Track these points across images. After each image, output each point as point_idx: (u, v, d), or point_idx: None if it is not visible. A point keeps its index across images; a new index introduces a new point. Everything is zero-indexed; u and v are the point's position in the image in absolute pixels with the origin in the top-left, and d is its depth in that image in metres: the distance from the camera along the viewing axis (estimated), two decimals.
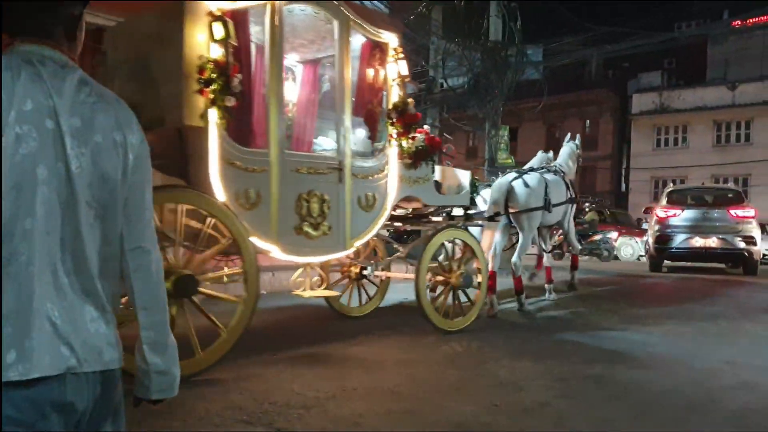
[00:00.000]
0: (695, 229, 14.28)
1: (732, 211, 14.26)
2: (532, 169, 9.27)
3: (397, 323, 7.31)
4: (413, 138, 6.72)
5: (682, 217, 14.48)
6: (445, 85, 19.23)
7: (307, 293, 6.51)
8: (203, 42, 5.07)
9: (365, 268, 7.67)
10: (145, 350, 1.67)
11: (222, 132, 5.09)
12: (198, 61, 5.03)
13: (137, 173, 1.64)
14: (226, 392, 4.39)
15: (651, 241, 15.01)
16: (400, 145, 6.63)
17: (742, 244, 14.11)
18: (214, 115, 5.02)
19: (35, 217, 1.42)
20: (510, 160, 18.54)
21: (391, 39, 6.68)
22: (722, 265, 16.08)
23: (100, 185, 1.53)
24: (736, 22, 32.11)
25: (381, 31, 6.59)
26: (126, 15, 5.94)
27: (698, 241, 14.24)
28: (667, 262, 15.58)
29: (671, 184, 18.21)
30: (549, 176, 9.09)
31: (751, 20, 32.03)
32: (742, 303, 9.59)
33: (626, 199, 34.70)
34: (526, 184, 8.58)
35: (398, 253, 7.46)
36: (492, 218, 8.47)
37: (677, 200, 15.04)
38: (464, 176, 7.87)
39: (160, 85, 5.26)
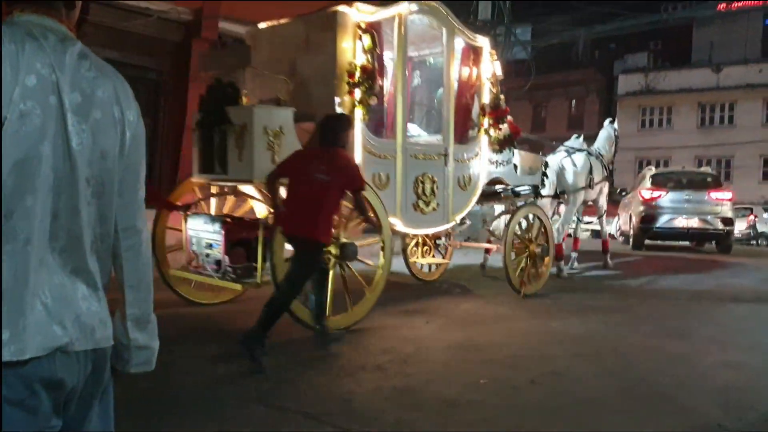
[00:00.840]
0: (678, 210, 14.94)
1: (712, 194, 15.08)
2: (577, 149, 10.32)
3: (474, 287, 8.65)
4: (501, 128, 7.88)
5: (666, 198, 15.06)
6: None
7: (422, 260, 8.27)
8: (351, 49, 6.13)
9: (439, 238, 8.71)
10: (129, 326, 1.64)
11: (363, 126, 6.20)
12: (348, 66, 6.11)
13: (134, 152, 1.59)
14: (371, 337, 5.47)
15: (636, 220, 15.32)
16: (488, 134, 7.76)
17: (720, 225, 14.95)
18: (358, 112, 6.12)
19: (36, 194, 1.38)
20: None
21: (485, 43, 7.76)
22: (687, 243, 16.89)
23: (100, 162, 1.49)
24: (722, 6, 32.22)
25: (477, 36, 7.73)
26: (271, 21, 6.97)
27: (681, 222, 14.94)
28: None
29: (651, 168, 18.47)
30: (592, 158, 10.34)
31: (735, 4, 32.18)
32: (724, 283, 9.78)
33: (611, 178, 34.91)
34: (574, 164, 9.92)
35: (485, 226, 8.88)
36: (557, 195, 9.63)
37: (661, 182, 15.54)
38: (536, 159, 8.98)
39: (312, 85, 6.27)
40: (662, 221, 14.99)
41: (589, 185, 10.12)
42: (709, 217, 14.88)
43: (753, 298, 8.37)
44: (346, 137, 5.32)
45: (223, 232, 5.91)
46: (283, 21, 6.86)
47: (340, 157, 5.11)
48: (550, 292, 8.15)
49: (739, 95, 32.16)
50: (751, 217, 24.13)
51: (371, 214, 5.78)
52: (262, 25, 7.10)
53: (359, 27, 6.20)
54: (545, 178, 9.11)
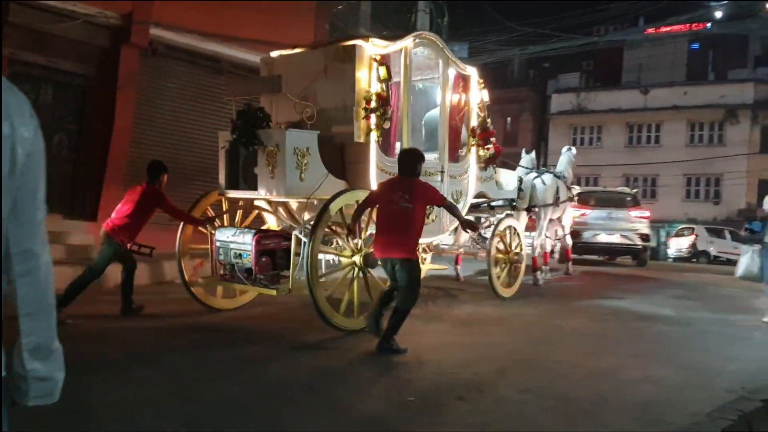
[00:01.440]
0: (601, 226, 15.94)
1: (631, 212, 16.37)
2: (546, 171, 11.63)
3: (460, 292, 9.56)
4: (488, 148, 8.84)
5: (590, 216, 15.98)
6: None
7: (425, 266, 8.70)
8: (367, 79, 6.96)
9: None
10: (25, 356, 1.53)
11: (376, 146, 7.02)
12: (365, 94, 6.93)
13: (29, 170, 1.46)
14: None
15: None
16: (477, 153, 8.76)
17: (639, 241, 16.24)
18: (373, 135, 6.96)
19: None
20: None
21: (473, 72, 8.69)
22: (599, 257, 17.93)
23: None
24: (650, 30, 33.44)
25: (466, 66, 8.68)
26: (286, 50, 7.83)
27: (604, 237, 16.05)
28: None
29: (576, 187, 19.35)
30: (558, 180, 11.49)
31: (663, 29, 33.44)
32: (647, 296, 10.05)
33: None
34: (544, 183, 11.03)
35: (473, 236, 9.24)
36: (529, 209, 10.72)
37: (585, 201, 16.29)
38: (513, 175, 10.20)
39: (332, 110, 7.06)
40: (587, 237, 15.90)
41: (556, 203, 11.31)
42: (629, 233, 16.06)
43: (672, 313, 8.61)
44: (421, 168, 6.02)
45: (254, 242, 6.60)
46: (298, 50, 7.82)
47: (417, 185, 5.91)
48: (476, 305, 8.19)
49: (665, 116, 33.36)
50: (692, 236, 25.25)
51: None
52: (275, 54, 7.96)
53: (374, 59, 7.05)
54: (520, 192, 10.30)
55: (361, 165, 7.05)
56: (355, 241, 6.53)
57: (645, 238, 16.43)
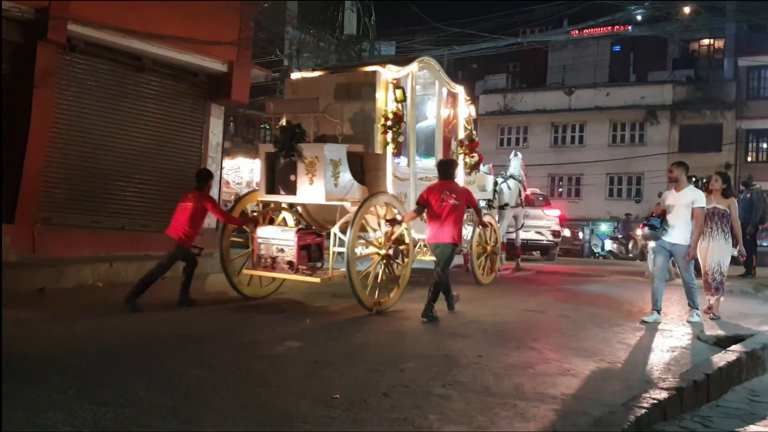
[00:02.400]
0: (518, 224, 16.18)
1: (545, 211, 17.49)
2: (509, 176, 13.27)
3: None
4: (473, 156, 10.41)
5: None
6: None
7: (427, 258, 9.53)
8: (384, 99, 8.36)
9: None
10: None
11: (391, 156, 8.42)
12: (383, 112, 8.33)
13: None
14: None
15: None
16: (464, 160, 10.23)
17: (551, 237, 17.46)
18: (389, 147, 8.35)
19: None
20: None
21: (460, 91, 10.30)
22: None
23: None
24: (574, 32, 34.33)
25: (456, 85, 10.24)
26: (307, 73, 9.50)
27: (520, 234, 16.27)
28: None
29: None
30: (519, 184, 13.26)
31: (586, 31, 34.39)
32: (574, 290, 10.32)
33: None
34: (509, 187, 12.80)
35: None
36: (502, 207, 12.42)
37: None
38: (489, 179, 11.70)
39: (354, 125, 8.43)
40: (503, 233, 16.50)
41: (521, 205, 13.32)
42: (543, 230, 17.15)
43: (594, 305, 8.86)
44: (456, 173, 7.89)
45: (296, 238, 7.95)
46: (320, 73, 9.39)
47: (458, 186, 8.09)
48: (402, 303, 8.24)
49: (589, 117, 34.32)
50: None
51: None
52: (296, 76, 9.46)
53: (391, 83, 8.45)
54: (496, 194, 12.10)
55: (379, 173, 8.41)
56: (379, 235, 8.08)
57: (556, 234, 17.69)
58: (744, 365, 5.90)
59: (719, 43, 35.48)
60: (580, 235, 33.44)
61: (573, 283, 12.01)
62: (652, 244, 8.27)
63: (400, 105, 8.45)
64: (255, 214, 8.79)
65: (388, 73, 8.51)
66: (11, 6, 8.79)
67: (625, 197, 34.23)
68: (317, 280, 7.98)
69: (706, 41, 36.31)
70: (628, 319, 7.94)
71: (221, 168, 12.74)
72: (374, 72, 8.45)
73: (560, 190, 34.35)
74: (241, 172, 24.13)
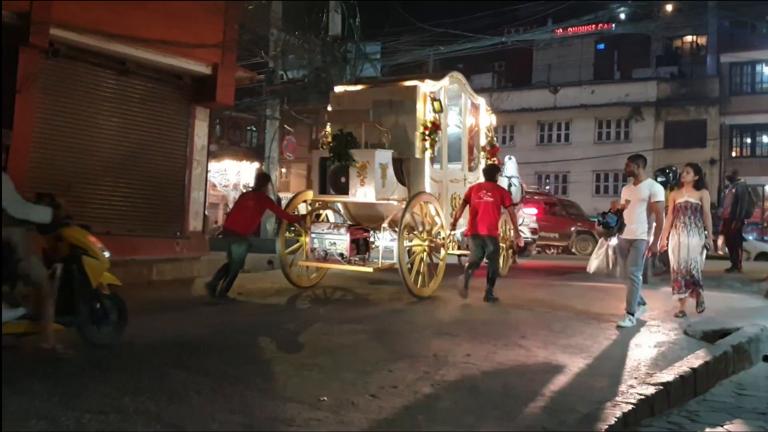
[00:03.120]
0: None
1: (524, 209, 17.53)
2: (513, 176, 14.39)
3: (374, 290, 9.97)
4: (493, 160, 11.51)
5: None
6: (285, 77, 19.10)
7: (456, 252, 11.18)
8: (423, 110, 9.58)
9: None
10: None
11: (429, 161, 9.67)
12: (423, 122, 9.58)
13: None
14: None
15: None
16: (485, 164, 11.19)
17: (530, 234, 17.85)
18: (427, 152, 9.63)
19: None
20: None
21: (482, 102, 11.65)
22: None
23: None
24: (558, 31, 34.45)
25: (477, 96, 11.55)
26: (350, 87, 10.74)
27: None
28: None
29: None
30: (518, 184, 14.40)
31: (570, 29, 34.52)
32: (553, 288, 10.34)
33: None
34: (514, 185, 13.93)
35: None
36: (514, 206, 12.59)
37: None
38: (503, 180, 12.54)
39: (396, 133, 9.53)
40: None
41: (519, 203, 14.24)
42: (521, 227, 17.17)
43: (581, 303, 8.89)
44: (498, 176, 9.21)
45: (348, 234, 9.25)
46: (362, 87, 10.67)
47: (497, 187, 9.26)
48: (389, 303, 8.23)
49: (574, 114, 34.43)
50: None
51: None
52: (338, 89, 10.67)
53: (429, 95, 9.67)
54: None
55: (419, 175, 9.64)
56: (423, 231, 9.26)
57: (534, 231, 18.43)
58: (731, 359, 5.94)
59: (702, 40, 35.72)
60: None
61: (557, 278, 12.05)
62: (614, 241, 7.70)
63: (437, 115, 9.73)
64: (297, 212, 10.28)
65: (426, 87, 9.74)
66: None
67: (612, 194, 34.28)
68: (370, 269, 9.31)
69: (689, 38, 36.54)
70: (615, 315, 7.96)
71: (207, 171, 12.67)
72: (415, 86, 9.71)
73: (547, 187, 34.44)
74: (227, 175, 24.07)
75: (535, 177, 33.56)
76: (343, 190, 9.21)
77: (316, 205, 10.16)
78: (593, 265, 8.07)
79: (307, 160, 42.05)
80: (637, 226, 7.41)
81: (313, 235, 9.45)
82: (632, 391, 4.62)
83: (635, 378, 5.07)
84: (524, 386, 4.76)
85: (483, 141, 11.70)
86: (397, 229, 8.81)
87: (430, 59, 26.17)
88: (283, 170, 36.51)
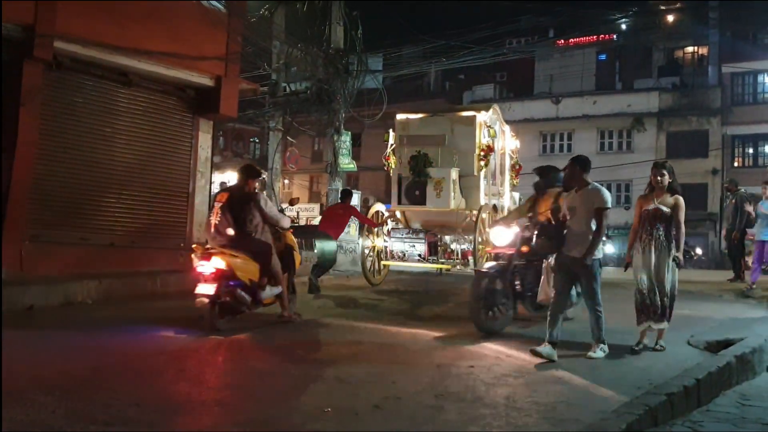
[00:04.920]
0: None
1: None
2: None
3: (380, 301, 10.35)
4: (517, 178, 14.05)
5: None
6: (288, 89, 19.16)
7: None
8: (479, 135, 11.55)
9: None
10: None
11: (484, 177, 11.77)
12: (481, 145, 11.53)
13: None
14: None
15: None
16: (512, 182, 13.78)
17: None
18: (482, 171, 11.70)
19: None
20: (352, 165, 18.76)
21: (507, 128, 13.70)
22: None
23: None
24: (560, 42, 34.58)
25: (505, 123, 13.56)
26: (414, 114, 12.71)
27: None
28: None
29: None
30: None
31: (571, 40, 34.66)
32: None
33: None
34: (520, 199, 14.10)
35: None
36: None
37: None
38: (517, 193, 14.56)
39: (457, 154, 11.62)
40: None
41: None
42: None
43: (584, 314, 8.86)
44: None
45: (426, 238, 11.56)
46: (422, 115, 12.53)
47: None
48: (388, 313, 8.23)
49: (576, 125, 34.53)
50: None
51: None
52: (401, 117, 12.54)
53: (483, 123, 11.76)
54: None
55: (476, 190, 11.72)
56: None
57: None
58: (734, 369, 5.93)
59: (703, 50, 35.82)
60: None
61: None
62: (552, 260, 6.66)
63: (491, 140, 11.82)
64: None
65: (481, 116, 11.81)
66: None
67: (614, 204, 34.27)
68: (449, 266, 11.80)
69: (690, 48, 36.66)
70: (618, 325, 7.95)
71: (211, 182, 12.72)
72: (474, 116, 11.87)
73: None
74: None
75: None
76: (419, 201, 11.47)
77: (386, 215, 12.36)
78: (541, 293, 7.09)
79: (309, 171, 42.30)
80: (584, 241, 6.20)
81: (393, 239, 11.79)
82: (636, 401, 4.61)
83: (639, 388, 5.05)
84: (528, 397, 4.75)
85: (508, 162, 13.53)
86: (467, 235, 11.47)
87: (432, 70, 26.28)
88: (286, 181, 36.54)
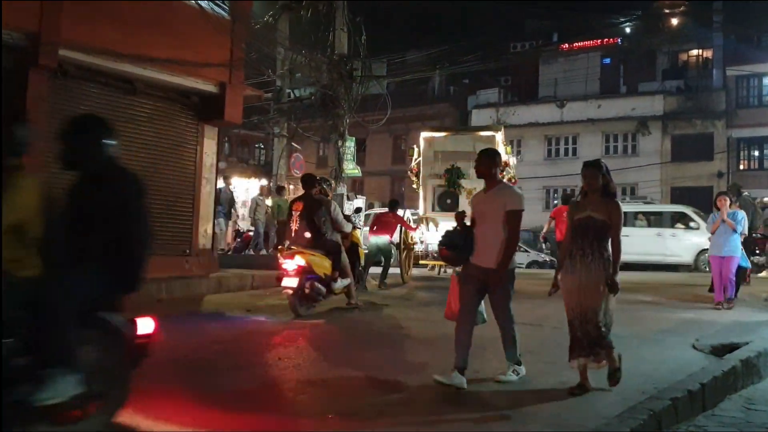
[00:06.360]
0: None
1: None
2: None
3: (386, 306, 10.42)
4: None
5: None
6: (292, 95, 19.22)
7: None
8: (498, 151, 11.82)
9: None
10: None
11: None
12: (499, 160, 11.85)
13: None
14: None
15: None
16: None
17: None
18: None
19: None
20: (356, 171, 18.78)
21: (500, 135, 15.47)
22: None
23: None
24: (564, 46, 34.58)
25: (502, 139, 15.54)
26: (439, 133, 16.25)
27: None
28: None
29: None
30: None
31: (576, 44, 34.66)
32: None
33: None
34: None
35: None
36: None
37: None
38: None
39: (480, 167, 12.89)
40: None
41: None
42: None
43: None
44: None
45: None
46: (447, 133, 15.96)
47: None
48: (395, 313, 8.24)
49: (581, 128, 34.50)
50: None
51: None
52: (426, 134, 15.56)
53: (502, 141, 14.37)
54: None
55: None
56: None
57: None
58: (739, 373, 5.92)
59: (708, 53, 35.75)
60: None
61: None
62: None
63: (508, 156, 14.01)
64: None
65: (499, 135, 14.63)
66: (3, 33, 8.80)
67: None
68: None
69: (694, 51, 36.59)
70: (622, 330, 7.94)
71: (216, 189, 12.76)
72: (493, 135, 14.72)
73: (555, 202, 34.44)
74: (236, 192, 24.20)
75: (543, 191, 33.58)
76: (451, 208, 13.38)
77: (423, 219, 14.63)
78: (447, 309, 5.84)
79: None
80: (496, 249, 5.38)
81: (429, 240, 13.80)
82: (640, 406, 4.61)
83: (643, 393, 5.04)
84: (533, 402, 4.75)
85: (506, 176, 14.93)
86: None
87: (436, 75, 26.30)
88: (291, 187, 36.60)
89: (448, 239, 5.73)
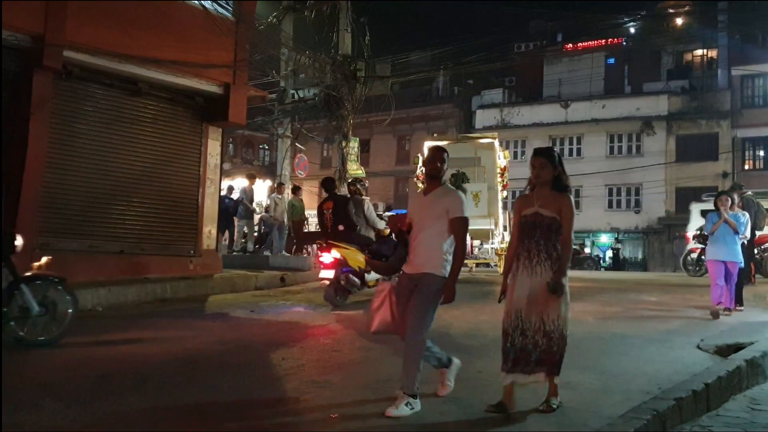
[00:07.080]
0: None
1: None
2: None
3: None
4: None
5: None
6: (296, 96, 19.23)
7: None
8: (496, 158, 16.03)
9: None
10: None
11: (500, 192, 16.09)
12: (499, 165, 15.84)
13: None
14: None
15: None
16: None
17: None
18: (499, 185, 15.89)
19: None
20: (360, 171, 18.78)
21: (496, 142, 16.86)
22: None
23: None
24: (569, 46, 34.54)
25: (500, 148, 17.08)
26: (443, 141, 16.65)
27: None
28: None
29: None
30: None
31: (580, 44, 34.61)
32: None
33: None
34: None
35: None
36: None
37: None
38: None
39: (485, 173, 16.18)
40: None
41: None
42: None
43: (593, 319, 8.84)
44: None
45: (470, 240, 13.99)
46: (450, 142, 16.53)
47: None
48: None
49: (585, 129, 34.47)
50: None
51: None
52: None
53: (501, 148, 15.97)
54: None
55: (496, 202, 15.72)
56: None
57: None
58: (744, 374, 5.89)
59: (713, 53, 35.69)
60: (587, 249, 33.53)
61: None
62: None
63: (506, 161, 15.78)
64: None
65: (497, 143, 16.14)
66: (7, 34, 8.83)
67: (624, 208, 34.29)
68: (490, 262, 16.74)
69: (699, 51, 36.53)
70: (627, 330, 7.94)
71: (220, 189, 12.77)
72: (492, 142, 16.08)
73: None
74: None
75: None
76: None
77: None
78: (375, 320, 5.01)
79: (318, 177, 42.20)
80: (430, 255, 4.75)
81: None
82: (644, 406, 4.59)
83: (647, 393, 5.03)
84: (536, 402, 4.74)
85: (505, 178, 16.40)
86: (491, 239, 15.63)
87: (440, 75, 26.28)
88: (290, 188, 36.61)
89: (376, 248, 5.46)
